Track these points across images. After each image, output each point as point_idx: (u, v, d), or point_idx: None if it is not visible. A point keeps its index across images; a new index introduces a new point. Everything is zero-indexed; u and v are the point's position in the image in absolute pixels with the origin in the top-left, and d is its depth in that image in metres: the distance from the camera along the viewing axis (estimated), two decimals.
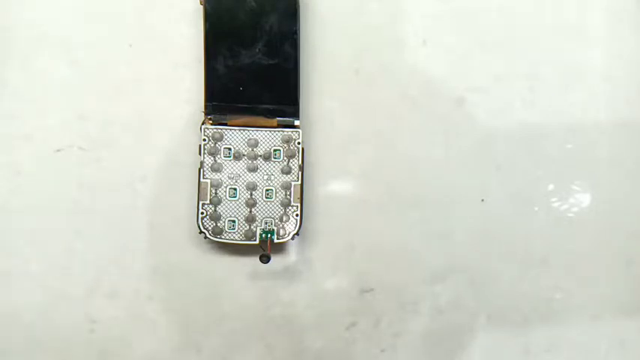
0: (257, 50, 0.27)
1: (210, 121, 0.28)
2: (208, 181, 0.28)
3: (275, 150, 0.28)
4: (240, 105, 0.28)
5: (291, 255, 0.29)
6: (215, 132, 0.28)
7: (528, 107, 0.30)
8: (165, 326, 0.29)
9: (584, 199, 0.30)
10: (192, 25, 0.29)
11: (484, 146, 0.30)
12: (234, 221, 0.28)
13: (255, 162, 0.28)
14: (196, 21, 0.29)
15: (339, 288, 0.29)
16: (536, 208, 0.30)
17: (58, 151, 0.29)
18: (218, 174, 0.28)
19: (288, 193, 0.28)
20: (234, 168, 0.28)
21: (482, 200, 0.30)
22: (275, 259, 0.29)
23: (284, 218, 0.28)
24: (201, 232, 0.28)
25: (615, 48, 0.31)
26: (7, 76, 0.30)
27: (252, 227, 0.28)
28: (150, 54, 0.30)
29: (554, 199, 0.30)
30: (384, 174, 0.30)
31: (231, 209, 0.28)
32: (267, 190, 0.28)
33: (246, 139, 0.28)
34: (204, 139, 0.28)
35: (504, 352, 0.29)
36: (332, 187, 0.29)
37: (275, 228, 0.28)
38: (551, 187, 0.30)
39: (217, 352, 0.29)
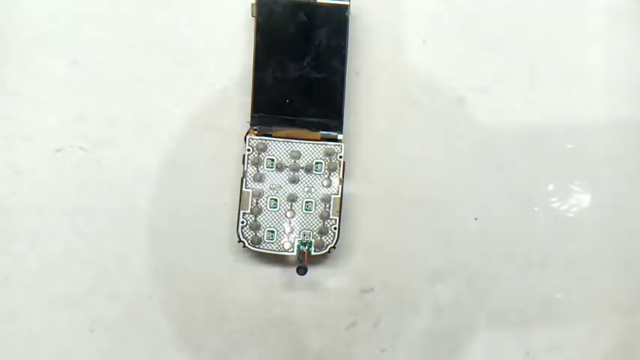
0: (305, 64, 0.28)
1: (256, 132, 0.28)
2: (250, 191, 0.28)
3: (317, 163, 0.28)
4: (285, 117, 0.28)
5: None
6: (259, 143, 0.28)
7: (528, 107, 0.30)
8: (165, 326, 0.29)
9: (584, 199, 0.30)
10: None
11: (484, 146, 0.30)
12: (273, 232, 0.28)
13: (296, 174, 0.28)
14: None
15: (339, 288, 0.29)
16: (536, 208, 0.30)
17: (58, 151, 0.29)
18: (260, 184, 0.28)
19: (328, 205, 0.28)
20: (276, 179, 0.28)
21: (482, 200, 0.30)
22: (275, 260, 0.29)
23: (322, 231, 0.28)
24: (240, 240, 0.28)
25: (615, 48, 0.31)
26: (7, 76, 0.30)
27: (290, 238, 0.28)
28: (150, 54, 0.30)
29: (554, 199, 0.30)
30: (384, 174, 0.30)
31: (271, 220, 0.28)
32: (306, 202, 0.28)
33: (289, 151, 0.28)
34: (249, 150, 0.28)
35: (504, 352, 0.29)
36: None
37: (313, 240, 0.28)
38: (551, 187, 0.30)
39: (217, 352, 0.29)
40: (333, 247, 0.28)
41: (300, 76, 0.28)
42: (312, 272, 0.29)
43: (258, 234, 0.28)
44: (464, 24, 0.31)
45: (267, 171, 0.28)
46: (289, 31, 0.28)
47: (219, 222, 0.29)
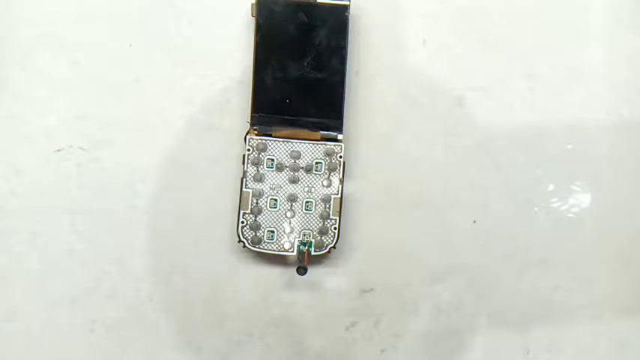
0: (305, 64, 0.28)
1: (255, 132, 0.28)
2: (250, 190, 0.28)
3: (317, 163, 0.28)
4: (285, 117, 0.28)
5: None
6: (259, 143, 0.28)
7: (528, 107, 0.30)
8: (165, 326, 0.29)
9: (584, 199, 0.30)
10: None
11: (484, 146, 0.30)
12: (273, 232, 0.28)
13: (296, 174, 0.28)
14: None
15: (339, 288, 0.29)
16: (536, 209, 0.30)
17: (58, 151, 0.29)
18: (260, 184, 0.28)
19: (328, 205, 0.28)
20: (276, 179, 0.28)
21: (482, 201, 0.30)
22: (275, 260, 0.29)
23: (322, 231, 0.28)
24: (240, 240, 0.28)
25: (615, 48, 0.31)
26: (7, 76, 0.30)
27: (290, 238, 0.28)
28: (150, 54, 0.30)
29: (554, 199, 0.30)
30: (384, 174, 0.30)
31: (271, 220, 0.28)
32: (306, 202, 0.28)
33: (289, 151, 0.28)
34: (249, 150, 0.28)
35: (504, 352, 0.29)
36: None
37: (313, 240, 0.28)
38: (551, 187, 0.30)
39: (217, 352, 0.29)
40: (333, 247, 0.28)
41: (300, 76, 0.28)
42: (312, 272, 0.29)
43: (258, 234, 0.28)
44: (464, 24, 0.31)
45: (267, 171, 0.28)
46: (289, 31, 0.28)
47: (219, 222, 0.29)
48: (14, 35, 0.30)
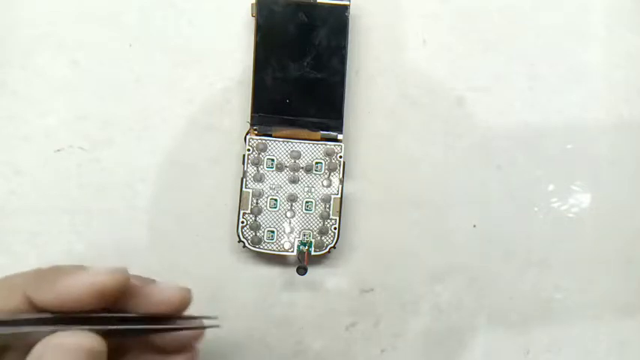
0: (305, 64, 0.28)
1: (256, 132, 0.28)
2: (250, 190, 0.28)
3: (317, 163, 0.28)
4: (285, 117, 0.28)
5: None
6: (259, 143, 0.28)
7: (528, 107, 0.30)
8: None
9: (584, 199, 0.30)
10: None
11: (484, 146, 0.30)
12: (273, 232, 0.28)
13: (296, 174, 0.28)
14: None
15: (339, 288, 0.29)
16: (536, 209, 0.30)
17: (58, 151, 0.29)
18: (260, 184, 0.28)
19: (328, 205, 0.28)
20: (276, 179, 0.28)
21: (482, 201, 0.30)
22: (275, 260, 0.29)
23: (322, 231, 0.28)
24: (240, 240, 0.28)
25: (615, 48, 0.31)
26: (7, 76, 0.30)
27: (290, 238, 0.28)
28: (150, 54, 0.30)
29: (554, 199, 0.30)
30: (384, 174, 0.30)
31: (271, 220, 0.28)
32: (307, 202, 0.28)
33: (289, 151, 0.28)
34: (249, 150, 0.28)
35: (504, 352, 0.29)
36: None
37: (313, 240, 0.28)
38: (551, 187, 0.30)
39: (218, 352, 0.29)
40: (333, 247, 0.28)
41: (300, 76, 0.28)
42: (312, 272, 0.29)
43: (258, 234, 0.28)
44: (464, 24, 0.31)
45: (267, 171, 0.28)
46: (289, 31, 0.28)
47: (219, 222, 0.29)
48: (14, 35, 0.30)
